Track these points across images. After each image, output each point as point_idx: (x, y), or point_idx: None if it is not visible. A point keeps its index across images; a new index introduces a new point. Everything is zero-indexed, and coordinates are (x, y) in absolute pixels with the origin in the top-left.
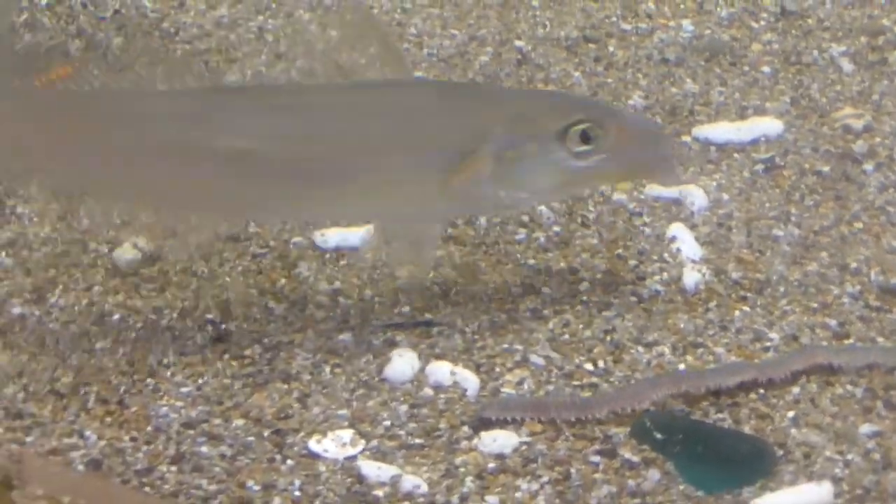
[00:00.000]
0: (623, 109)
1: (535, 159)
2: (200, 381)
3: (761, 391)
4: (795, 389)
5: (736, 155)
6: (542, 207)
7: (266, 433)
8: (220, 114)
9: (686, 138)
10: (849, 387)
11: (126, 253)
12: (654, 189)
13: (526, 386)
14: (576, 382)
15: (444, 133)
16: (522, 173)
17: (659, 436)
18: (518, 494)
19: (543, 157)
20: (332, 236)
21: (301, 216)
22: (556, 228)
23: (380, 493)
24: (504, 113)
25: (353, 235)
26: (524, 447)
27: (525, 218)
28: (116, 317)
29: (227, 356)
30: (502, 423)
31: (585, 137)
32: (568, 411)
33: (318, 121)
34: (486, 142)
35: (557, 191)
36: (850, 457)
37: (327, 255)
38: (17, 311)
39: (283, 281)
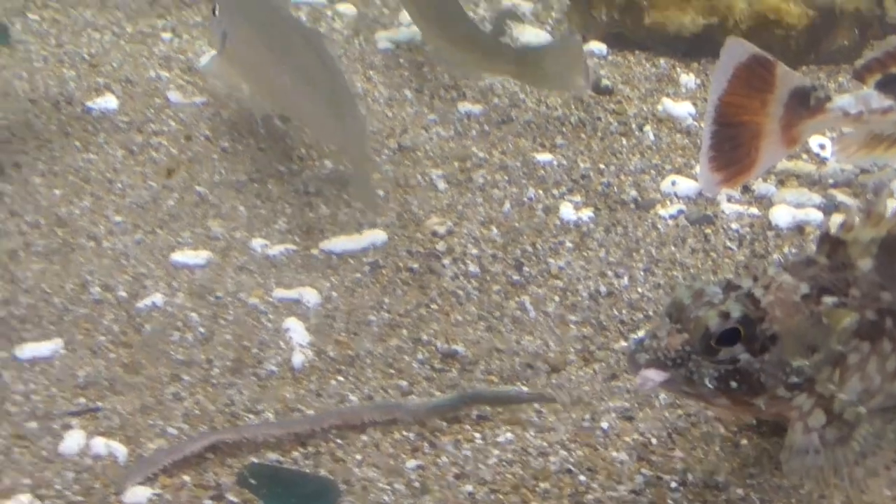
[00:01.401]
0: None
1: None
2: None
3: (339, 440)
4: (364, 437)
5: (350, 261)
6: (194, 314)
7: None
8: None
9: (314, 251)
10: (405, 433)
11: None
12: (280, 292)
13: None
14: None
15: None
16: None
17: (253, 481)
18: None
19: None
20: (28, 349)
21: None
22: (202, 329)
23: None
24: None
25: (45, 348)
26: (156, 498)
27: (179, 323)
28: None
29: None
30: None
31: None
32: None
33: None
34: None
35: None
36: (396, 486)
37: (25, 364)
38: None
39: None
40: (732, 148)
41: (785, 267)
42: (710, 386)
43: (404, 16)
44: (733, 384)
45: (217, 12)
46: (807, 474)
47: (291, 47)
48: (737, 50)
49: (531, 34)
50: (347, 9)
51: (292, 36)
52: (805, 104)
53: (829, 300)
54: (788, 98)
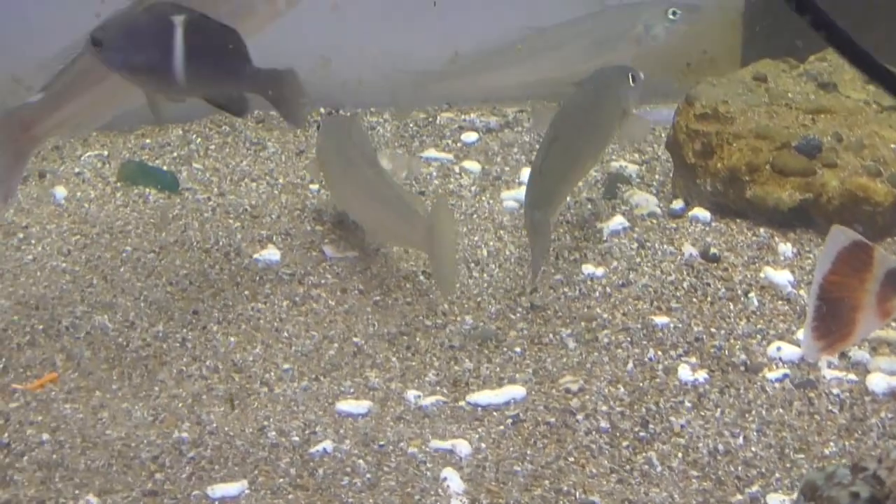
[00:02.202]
0: None
1: None
2: None
3: None
4: None
5: (494, 413)
6: (360, 461)
7: None
8: None
9: (462, 403)
10: None
11: None
12: (435, 443)
13: None
14: None
15: None
16: None
17: None
18: None
19: None
20: (219, 489)
21: None
22: (368, 475)
23: None
24: None
25: (233, 488)
26: None
27: (348, 469)
28: None
29: None
30: None
31: None
32: None
33: None
34: None
35: None
36: None
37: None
38: None
39: None
40: (832, 319)
41: None
42: None
43: (524, 173)
44: None
45: (319, 130)
46: None
47: (357, 170)
48: (840, 237)
49: (640, 197)
50: (472, 166)
51: (357, 161)
52: None
53: None
54: (884, 277)
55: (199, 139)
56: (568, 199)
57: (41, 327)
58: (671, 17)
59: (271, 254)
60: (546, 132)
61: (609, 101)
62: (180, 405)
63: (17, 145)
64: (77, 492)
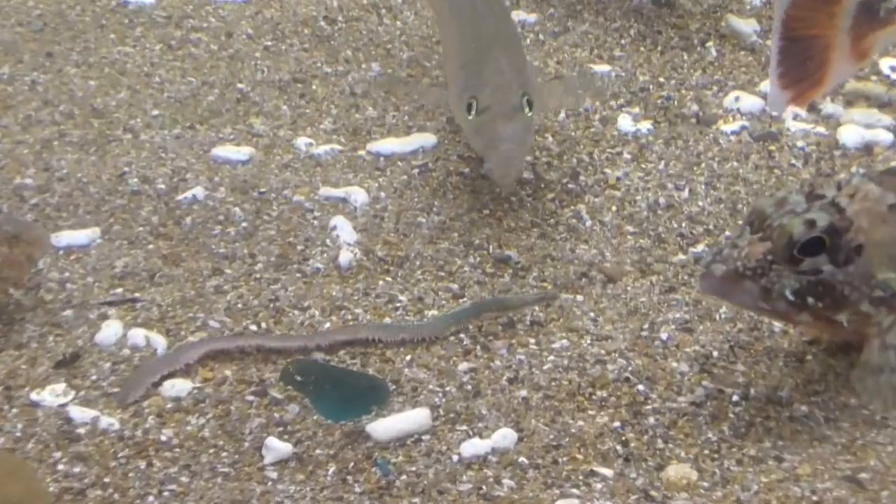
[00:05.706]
0: None
1: None
2: None
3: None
4: None
5: (399, 163)
6: (237, 209)
7: None
8: None
9: (361, 152)
10: (459, 335)
11: None
12: (325, 190)
13: None
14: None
15: None
16: None
17: (299, 378)
18: (188, 428)
19: None
20: (64, 237)
21: None
22: (244, 224)
23: (82, 430)
24: None
25: (82, 236)
26: (196, 391)
27: (221, 217)
28: None
29: None
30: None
31: None
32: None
33: None
34: None
35: None
36: (448, 388)
37: (61, 252)
38: None
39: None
40: (801, 63)
41: (870, 177)
42: (790, 298)
43: None
44: (813, 298)
45: None
46: (878, 393)
47: None
48: None
49: None
50: None
51: None
52: (874, 15)
53: None
54: (856, 9)
55: None
56: None
57: None
58: None
59: None
60: None
61: None
62: (26, 151)
63: None
64: None
